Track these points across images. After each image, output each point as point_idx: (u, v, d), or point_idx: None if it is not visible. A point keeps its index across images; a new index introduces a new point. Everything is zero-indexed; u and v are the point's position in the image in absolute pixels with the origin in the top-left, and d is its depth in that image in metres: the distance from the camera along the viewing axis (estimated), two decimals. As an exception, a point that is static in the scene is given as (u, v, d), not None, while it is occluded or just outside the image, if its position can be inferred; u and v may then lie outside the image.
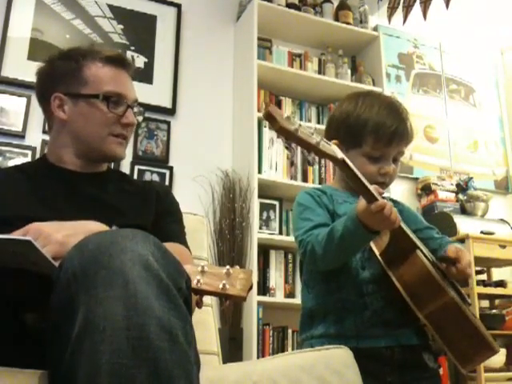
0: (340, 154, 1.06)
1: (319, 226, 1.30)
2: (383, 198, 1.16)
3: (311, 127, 1.03)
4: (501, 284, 3.22)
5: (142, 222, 1.20)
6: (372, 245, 1.29)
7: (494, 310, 3.17)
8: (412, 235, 1.26)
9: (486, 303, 3.38)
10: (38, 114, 2.69)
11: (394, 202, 1.56)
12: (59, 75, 1.27)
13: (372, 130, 1.35)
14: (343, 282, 1.31)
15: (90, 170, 1.29)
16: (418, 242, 1.28)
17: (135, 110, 1.31)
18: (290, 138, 0.96)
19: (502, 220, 3.42)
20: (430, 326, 1.22)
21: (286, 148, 0.99)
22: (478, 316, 2.80)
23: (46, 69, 1.30)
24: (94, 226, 0.97)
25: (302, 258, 1.35)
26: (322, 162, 3.14)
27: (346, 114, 1.40)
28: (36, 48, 2.82)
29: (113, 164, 2.77)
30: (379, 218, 1.14)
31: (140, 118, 1.34)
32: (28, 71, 2.68)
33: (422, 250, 1.26)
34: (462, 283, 1.45)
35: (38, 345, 0.82)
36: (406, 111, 1.44)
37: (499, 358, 2.97)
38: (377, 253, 1.27)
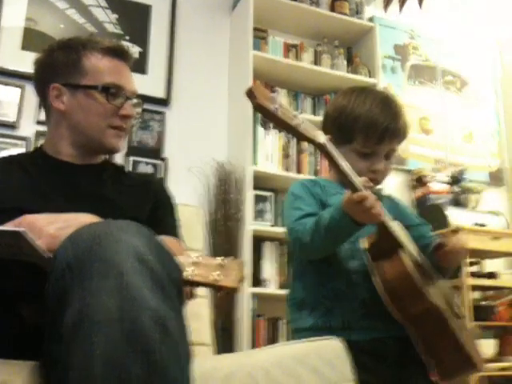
0: (322, 139, 1.05)
1: (309, 216, 1.30)
2: (377, 193, 1.16)
3: (296, 113, 1.02)
4: (493, 276, 3.24)
5: (138, 215, 1.20)
6: (364, 239, 1.29)
7: (485, 302, 3.20)
8: (399, 233, 1.25)
9: (478, 295, 3.41)
10: (31, 105, 2.68)
11: (389, 197, 1.56)
12: (58, 65, 1.26)
13: (363, 128, 1.34)
14: (333, 271, 1.31)
15: (86, 162, 1.29)
16: (406, 242, 1.27)
17: (134, 101, 1.31)
18: (267, 116, 0.95)
19: (495, 212, 3.44)
20: (410, 331, 1.21)
21: (261, 125, 0.98)
22: (472, 308, 2.82)
23: (44, 58, 1.29)
24: (87, 219, 0.97)
25: (291, 247, 1.36)
26: (318, 153, 3.14)
27: (339, 110, 1.40)
28: (30, 38, 2.79)
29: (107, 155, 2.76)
30: (360, 209, 1.14)
31: (139, 110, 1.34)
32: (22, 61, 2.66)
33: (408, 250, 1.25)
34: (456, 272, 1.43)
35: (34, 337, 0.82)
36: (401, 107, 1.42)
37: (491, 348, 3.00)
38: (365, 247, 1.27)
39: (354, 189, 1.13)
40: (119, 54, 1.29)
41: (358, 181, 1.13)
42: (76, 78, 1.25)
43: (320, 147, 1.06)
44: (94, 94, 1.24)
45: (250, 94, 0.92)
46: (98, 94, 1.24)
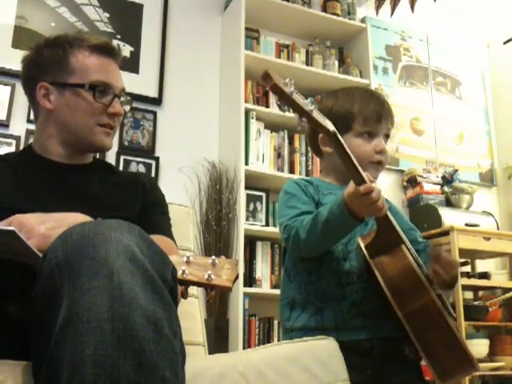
0: (332, 127, 1.06)
1: (305, 214, 1.30)
2: None
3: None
4: (484, 276, 3.26)
5: (128, 214, 1.19)
6: (359, 239, 1.29)
7: (477, 302, 3.21)
8: (399, 228, 1.25)
9: (469, 295, 3.42)
10: (22, 103, 2.66)
11: None
12: (45, 63, 1.25)
13: (360, 111, 1.39)
14: (324, 271, 1.31)
15: (76, 162, 1.28)
16: (404, 237, 1.27)
17: (122, 99, 1.29)
18: (283, 98, 0.97)
19: (486, 212, 3.46)
20: (409, 328, 1.19)
21: (278, 106, 1.00)
22: (463, 308, 2.83)
23: (31, 56, 1.27)
24: (78, 218, 0.96)
25: (286, 244, 1.35)
26: (310, 153, 3.14)
27: (329, 107, 1.42)
28: (20, 36, 2.78)
29: (98, 154, 2.74)
30: (366, 202, 1.13)
31: (127, 108, 1.32)
32: (12, 59, 2.64)
33: (407, 246, 1.24)
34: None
35: (22, 336, 0.81)
36: (384, 97, 1.50)
37: (482, 348, 3.01)
38: (362, 246, 1.27)
39: (359, 180, 1.12)
40: (107, 51, 1.27)
41: (364, 175, 1.13)
42: (63, 76, 1.23)
43: (331, 135, 1.07)
44: (82, 93, 1.22)
45: (266, 76, 0.94)
46: (85, 92, 1.22)
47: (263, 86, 1.03)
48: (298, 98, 0.98)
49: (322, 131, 1.07)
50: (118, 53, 1.31)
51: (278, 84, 0.94)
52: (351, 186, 1.15)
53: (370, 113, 1.39)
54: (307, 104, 1.00)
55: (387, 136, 1.45)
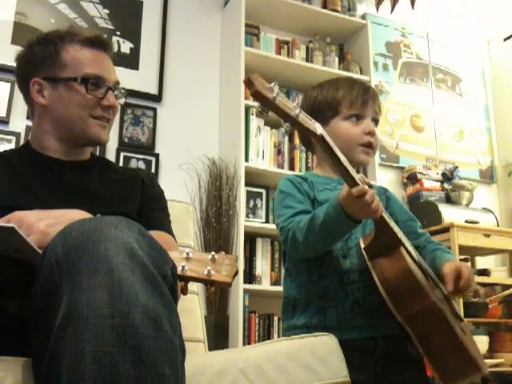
0: (319, 130, 1.04)
1: (301, 213, 1.30)
2: (370, 186, 1.15)
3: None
4: (484, 272, 3.26)
5: (127, 210, 1.19)
6: (360, 239, 1.28)
7: (477, 299, 3.21)
8: (397, 229, 1.24)
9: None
10: (22, 100, 2.62)
11: (382, 188, 1.55)
12: (37, 60, 1.25)
13: (345, 94, 1.40)
14: (325, 270, 1.30)
15: (73, 158, 1.27)
16: (404, 239, 1.26)
17: (116, 92, 1.28)
18: (265, 104, 0.94)
19: (486, 209, 3.46)
20: (410, 331, 1.18)
21: (260, 113, 0.96)
22: (463, 305, 2.83)
23: (24, 54, 1.28)
24: (78, 215, 0.96)
25: (284, 246, 1.35)
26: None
27: (315, 96, 1.44)
28: (20, 32, 2.77)
29: (98, 150, 2.74)
30: (360, 204, 1.12)
31: (122, 101, 1.31)
32: (12, 56, 2.60)
33: (406, 248, 1.23)
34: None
35: (22, 332, 0.81)
36: (368, 84, 1.53)
37: (482, 345, 3.01)
38: (362, 247, 1.25)
39: (352, 182, 1.11)
40: (98, 44, 1.27)
41: (357, 176, 1.12)
42: (56, 71, 1.23)
43: (318, 138, 1.05)
44: (75, 86, 1.22)
45: (249, 82, 0.91)
46: (78, 85, 1.22)
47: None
48: (283, 103, 0.95)
49: (309, 135, 1.05)
50: (109, 46, 1.30)
51: (259, 90, 0.91)
52: (345, 188, 1.14)
53: (355, 96, 1.40)
54: (293, 108, 0.98)
55: (376, 122, 1.44)
